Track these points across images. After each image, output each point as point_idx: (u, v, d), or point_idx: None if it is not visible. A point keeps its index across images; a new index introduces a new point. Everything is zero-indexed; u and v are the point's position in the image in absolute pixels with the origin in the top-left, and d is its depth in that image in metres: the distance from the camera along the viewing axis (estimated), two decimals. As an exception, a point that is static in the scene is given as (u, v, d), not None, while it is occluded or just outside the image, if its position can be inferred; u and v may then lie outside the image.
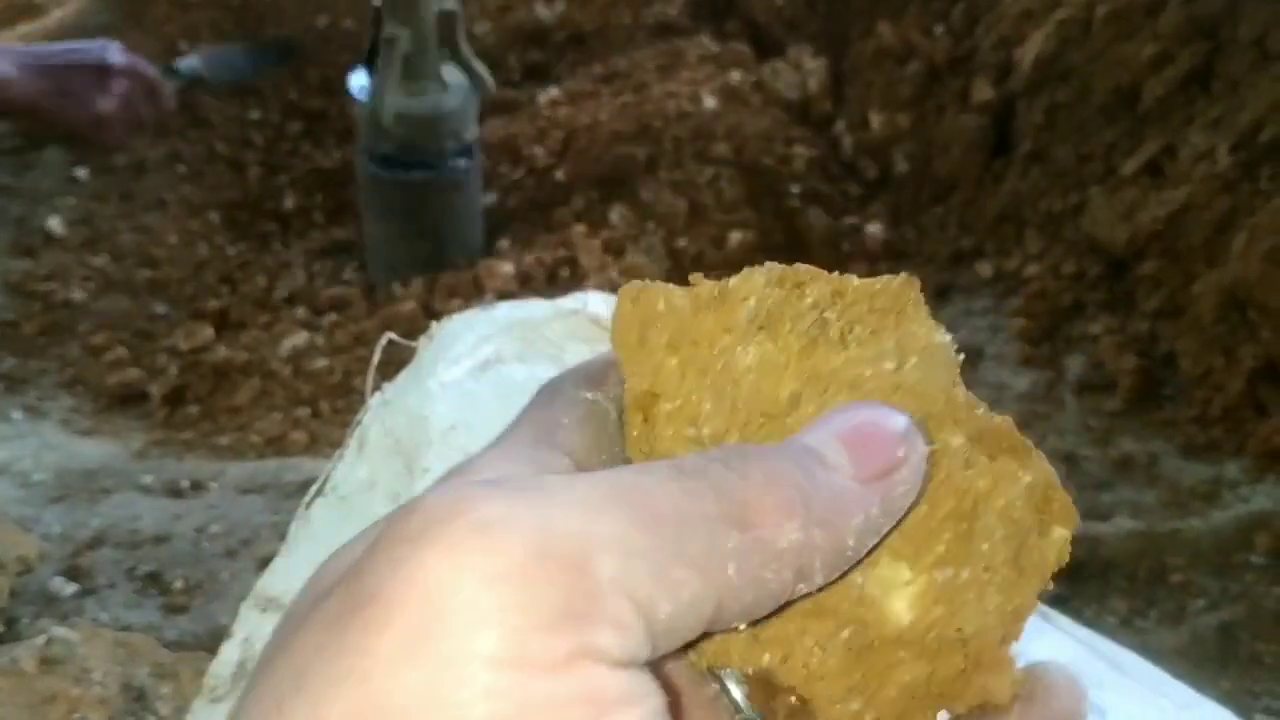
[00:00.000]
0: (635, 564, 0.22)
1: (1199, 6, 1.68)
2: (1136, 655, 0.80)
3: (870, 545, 0.26)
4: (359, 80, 1.66)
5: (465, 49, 1.66)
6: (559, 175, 1.86)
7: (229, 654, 0.68)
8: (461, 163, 1.70)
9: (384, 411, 0.64)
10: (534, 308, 0.68)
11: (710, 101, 1.93)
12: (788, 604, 0.26)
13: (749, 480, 0.24)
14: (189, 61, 1.99)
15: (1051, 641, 0.79)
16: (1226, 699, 1.19)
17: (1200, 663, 1.21)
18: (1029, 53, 1.82)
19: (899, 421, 0.27)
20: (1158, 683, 0.80)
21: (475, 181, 1.76)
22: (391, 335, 0.69)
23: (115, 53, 1.73)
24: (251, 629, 0.67)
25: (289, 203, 1.96)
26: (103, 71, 1.70)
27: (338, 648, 0.21)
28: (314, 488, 0.63)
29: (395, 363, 0.65)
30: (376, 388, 0.65)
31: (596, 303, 0.66)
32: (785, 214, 1.85)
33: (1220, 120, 1.59)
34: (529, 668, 0.21)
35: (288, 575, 0.68)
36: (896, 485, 0.26)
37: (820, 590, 0.26)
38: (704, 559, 0.23)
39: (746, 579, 0.24)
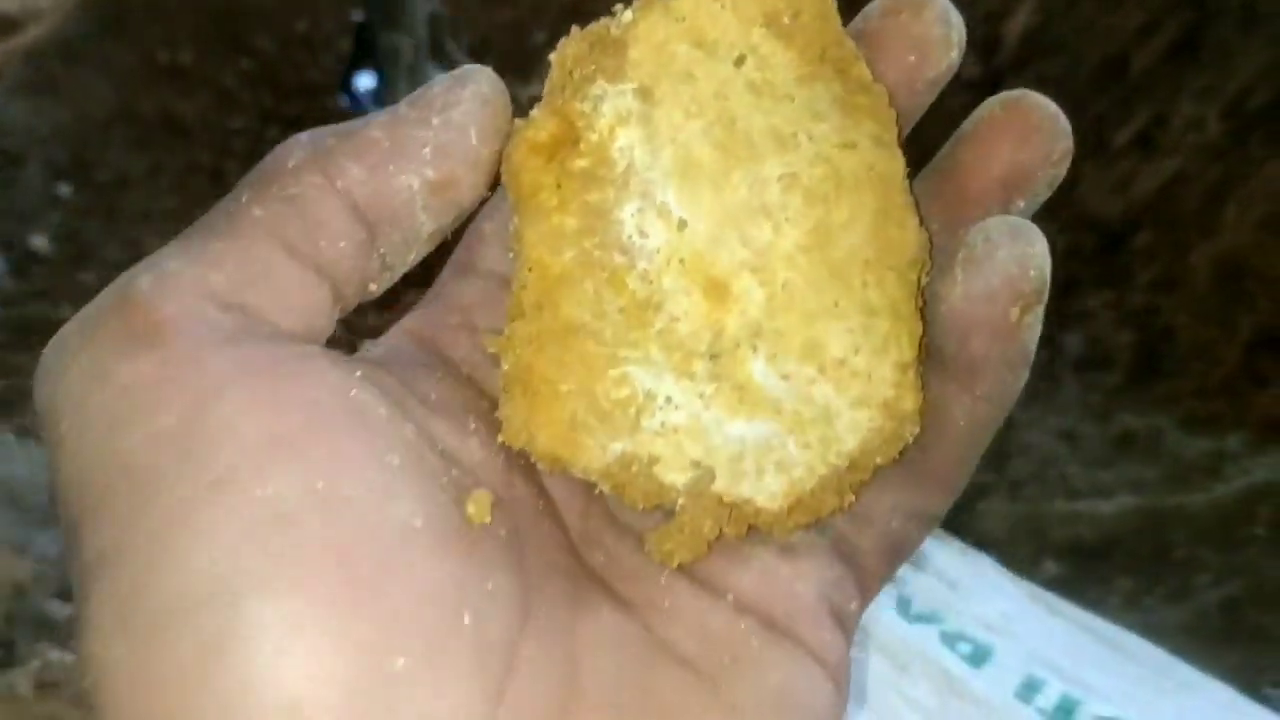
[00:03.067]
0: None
1: (1184, -28, 1.66)
2: (1137, 636, 0.79)
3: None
4: (366, 82, 1.65)
5: (452, 52, 1.66)
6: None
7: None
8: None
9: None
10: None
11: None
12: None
13: None
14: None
15: (1049, 625, 0.77)
16: (1232, 674, 1.18)
17: (1205, 638, 1.20)
18: (1015, 27, 1.81)
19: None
20: (1159, 663, 0.80)
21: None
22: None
23: None
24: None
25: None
26: None
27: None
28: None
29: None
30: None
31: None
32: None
33: (1210, 88, 1.57)
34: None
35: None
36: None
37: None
38: None
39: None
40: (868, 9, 0.26)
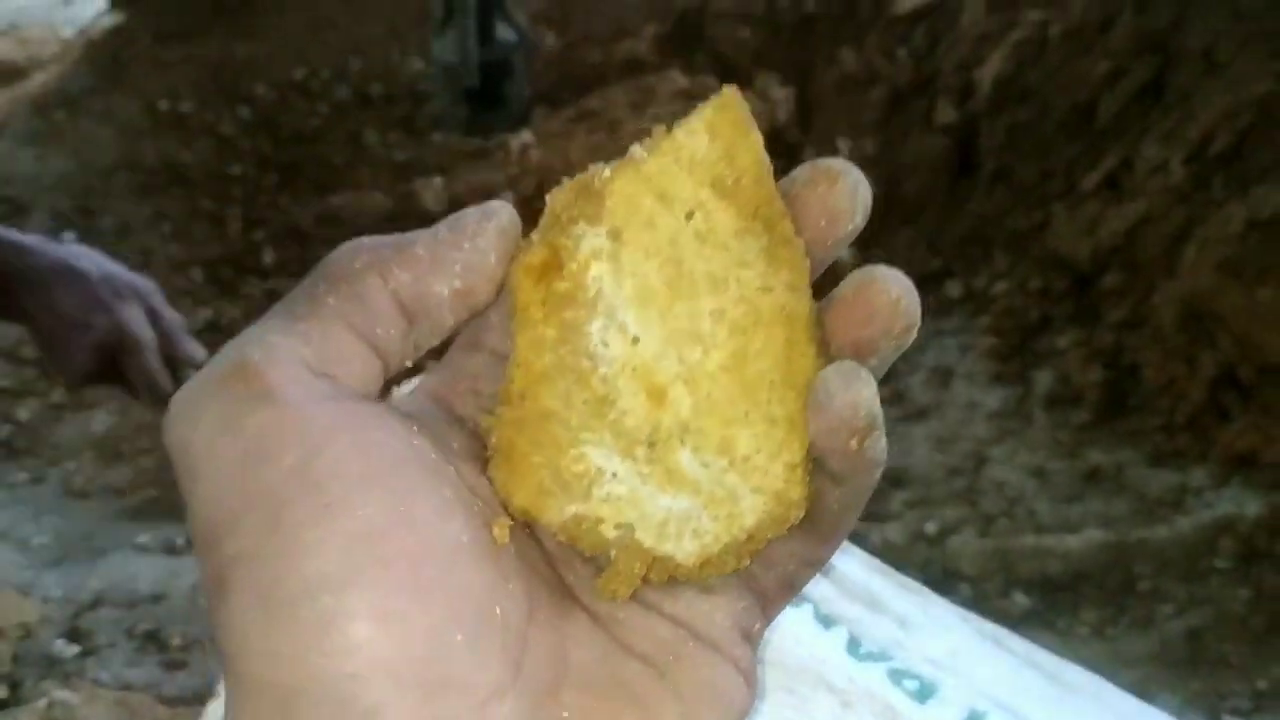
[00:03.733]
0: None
1: (1148, 20, 1.72)
2: (1081, 669, 0.83)
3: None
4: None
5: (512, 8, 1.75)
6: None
7: (214, 712, 0.71)
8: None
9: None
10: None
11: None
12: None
13: None
14: None
15: (996, 660, 0.82)
16: (1195, 700, 1.22)
17: (1170, 667, 1.24)
18: (988, 74, 1.87)
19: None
20: (1103, 696, 0.83)
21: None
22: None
23: (138, 319, 0.99)
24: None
25: (267, 259, 2.00)
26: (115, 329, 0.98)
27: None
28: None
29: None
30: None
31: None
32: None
33: (1173, 132, 1.63)
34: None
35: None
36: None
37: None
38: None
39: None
40: (795, 173, 0.31)
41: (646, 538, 0.31)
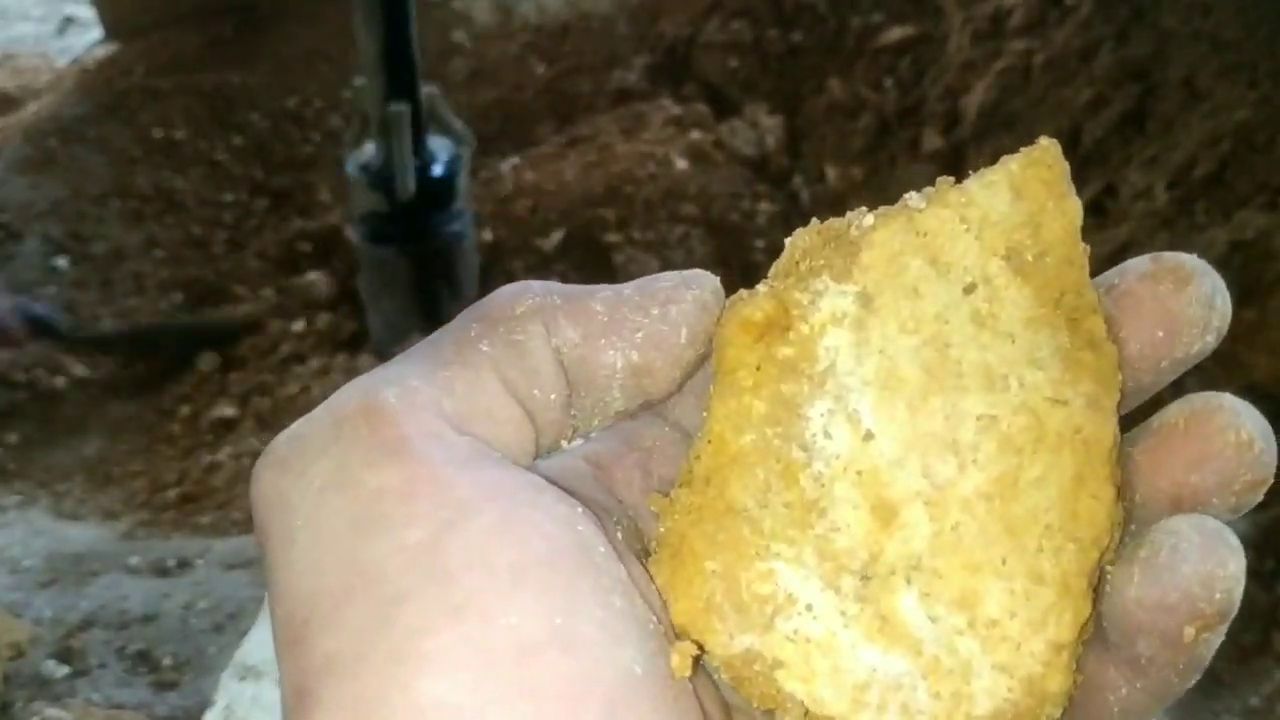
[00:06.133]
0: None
1: (1129, 50, 1.75)
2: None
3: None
4: (358, 158, 1.70)
5: (446, 113, 1.73)
6: (537, 241, 1.92)
7: (211, 721, 0.72)
8: (458, 225, 1.76)
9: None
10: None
11: (681, 162, 2.00)
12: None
13: None
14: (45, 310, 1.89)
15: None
16: (1186, 715, 1.22)
17: (1162, 685, 1.24)
18: (973, 102, 1.90)
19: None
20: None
21: (473, 243, 1.81)
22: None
23: None
24: (232, 697, 0.71)
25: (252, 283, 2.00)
26: None
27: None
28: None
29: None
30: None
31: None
32: (751, 269, 1.91)
33: (1156, 159, 1.66)
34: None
35: (264, 645, 0.72)
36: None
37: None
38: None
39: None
40: (1127, 266, 0.24)
41: (837, 703, 0.23)
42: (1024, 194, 0.24)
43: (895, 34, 2.07)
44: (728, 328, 0.24)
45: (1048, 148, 0.25)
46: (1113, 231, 1.64)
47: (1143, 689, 0.22)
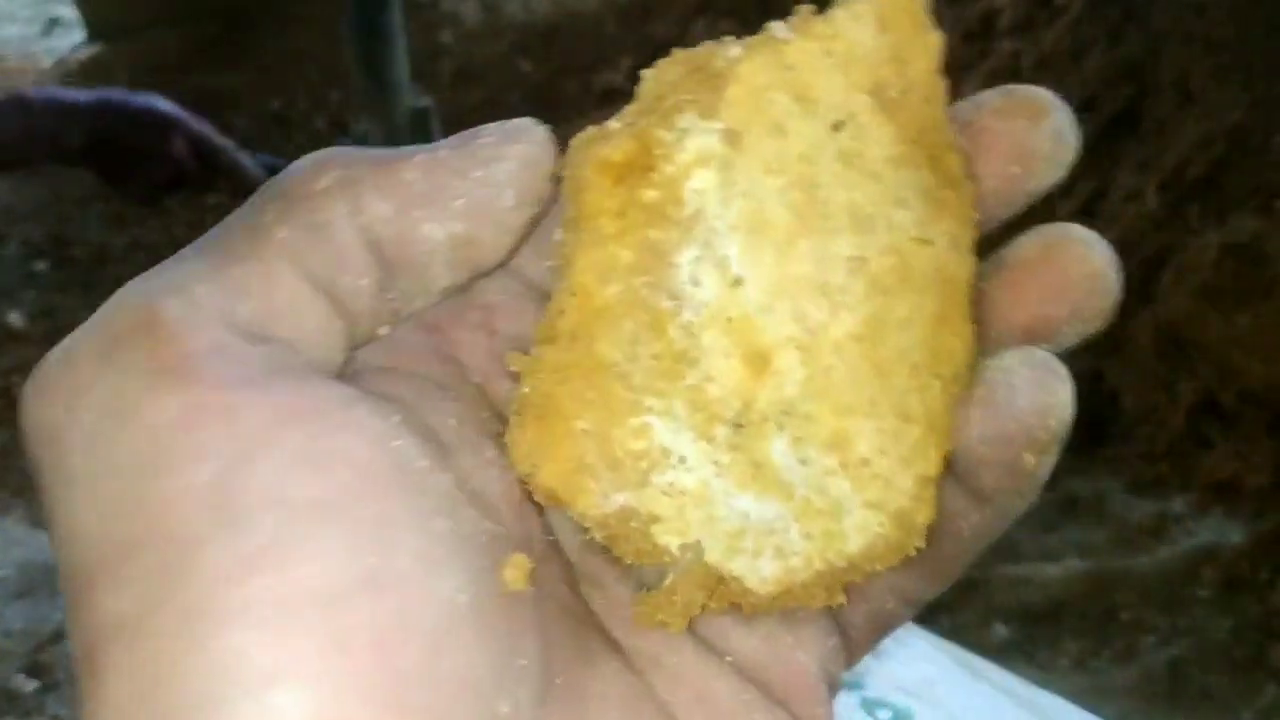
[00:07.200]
0: None
1: (1121, 50, 1.73)
2: (1057, 697, 0.82)
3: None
4: None
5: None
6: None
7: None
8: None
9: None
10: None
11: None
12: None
13: None
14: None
15: (971, 688, 0.80)
16: (1180, 734, 1.20)
17: (1152, 699, 1.22)
18: (964, 103, 1.88)
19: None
20: (1076, 723, 0.82)
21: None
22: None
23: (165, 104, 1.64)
24: None
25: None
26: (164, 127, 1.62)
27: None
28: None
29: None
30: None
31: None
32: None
33: (1148, 161, 1.63)
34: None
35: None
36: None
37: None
38: None
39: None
40: (981, 99, 0.24)
41: (713, 550, 0.22)
42: (889, 26, 0.23)
43: (885, 34, 2.05)
44: (584, 169, 0.22)
45: None
46: (1105, 234, 1.61)
47: (990, 513, 0.24)
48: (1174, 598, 1.32)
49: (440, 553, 0.19)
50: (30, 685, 1.27)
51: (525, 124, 0.22)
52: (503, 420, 0.23)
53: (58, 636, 1.32)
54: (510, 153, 0.22)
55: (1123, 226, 1.58)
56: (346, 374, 0.21)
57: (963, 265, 0.24)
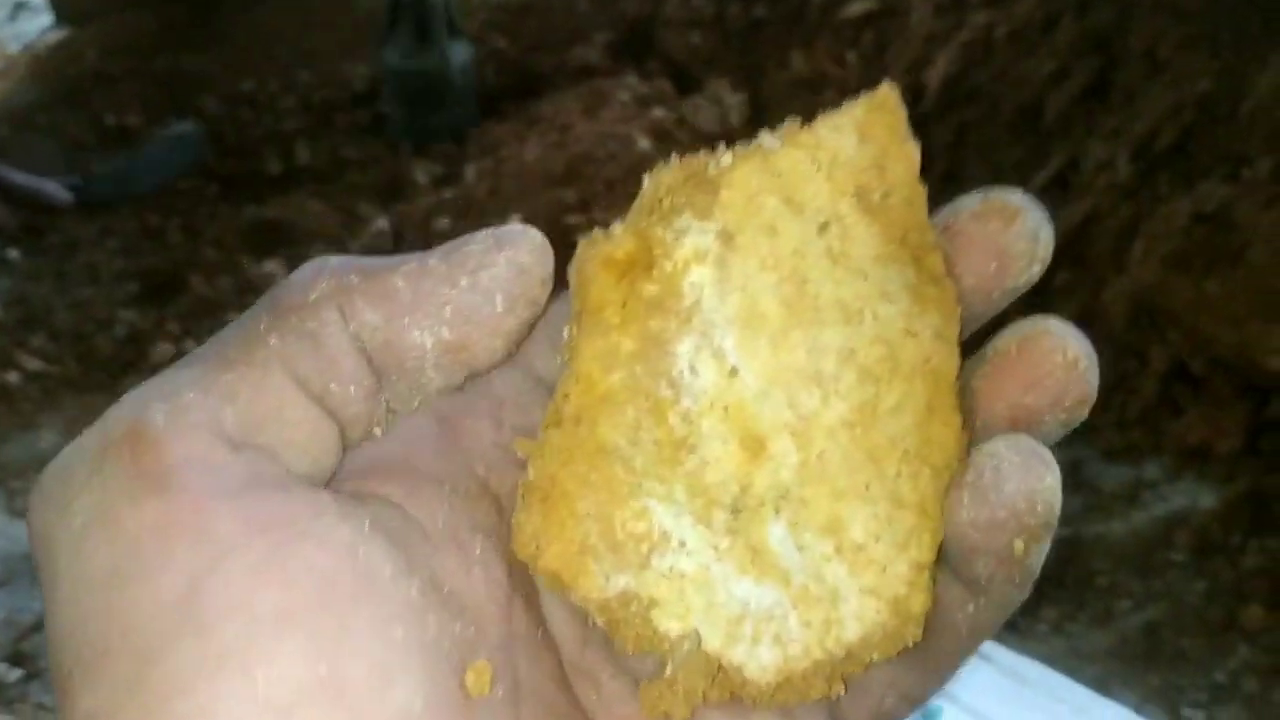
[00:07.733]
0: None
1: (1091, 20, 1.73)
2: (1036, 663, 0.83)
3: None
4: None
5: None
6: (495, 224, 1.89)
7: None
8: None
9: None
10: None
11: (643, 141, 1.97)
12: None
13: None
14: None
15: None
16: (1154, 696, 1.22)
17: (1129, 662, 1.24)
18: (936, 75, 1.88)
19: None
20: (1056, 689, 0.83)
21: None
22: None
23: None
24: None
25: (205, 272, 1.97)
26: None
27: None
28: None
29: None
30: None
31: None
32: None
33: (1119, 130, 1.64)
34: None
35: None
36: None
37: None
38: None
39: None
40: (959, 204, 0.25)
41: (712, 638, 0.23)
42: (868, 137, 0.25)
43: (858, 7, 2.04)
44: (589, 265, 0.24)
45: (888, 94, 0.25)
46: (1076, 204, 1.63)
47: (985, 605, 0.24)
48: (1148, 562, 1.34)
49: (396, 660, 0.19)
50: (14, 674, 1.26)
51: (516, 230, 0.23)
52: (501, 514, 0.23)
53: (39, 626, 1.32)
54: (499, 259, 0.22)
55: (1094, 197, 1.59)
56: (339, 474, 0.22)
57: (948, 357, 0.25)
